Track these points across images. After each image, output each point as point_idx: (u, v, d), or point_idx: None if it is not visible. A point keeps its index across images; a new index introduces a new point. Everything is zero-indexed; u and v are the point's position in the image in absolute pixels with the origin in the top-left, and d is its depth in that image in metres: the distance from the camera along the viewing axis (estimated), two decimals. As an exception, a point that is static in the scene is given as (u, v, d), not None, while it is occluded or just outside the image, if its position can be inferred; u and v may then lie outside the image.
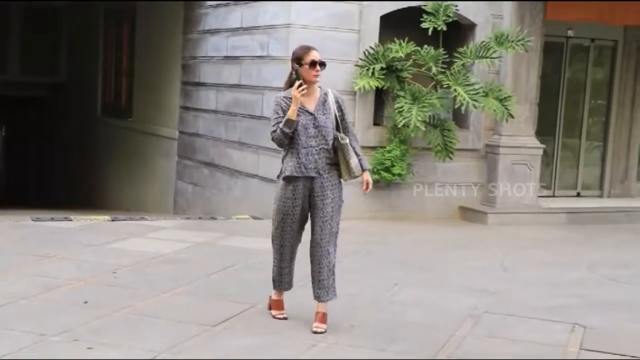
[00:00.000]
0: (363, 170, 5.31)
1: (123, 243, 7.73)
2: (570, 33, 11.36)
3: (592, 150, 11.93)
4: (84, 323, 5.15)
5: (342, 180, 5.38)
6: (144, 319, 5.33)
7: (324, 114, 5.27)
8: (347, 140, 5.28)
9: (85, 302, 5.59)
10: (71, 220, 8.78)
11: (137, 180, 13.81)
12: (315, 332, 5.21)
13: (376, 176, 9.24)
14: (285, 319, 5.45)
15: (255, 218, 9.63)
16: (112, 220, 8.92)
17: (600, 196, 11.78)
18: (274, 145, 9.96)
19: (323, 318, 5.30)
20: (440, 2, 9.53)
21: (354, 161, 5.28)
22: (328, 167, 5.29)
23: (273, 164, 9.64)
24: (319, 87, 5.32)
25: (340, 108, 5.33)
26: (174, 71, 12.34)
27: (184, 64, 12.07)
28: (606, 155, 11.84)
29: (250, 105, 10.17)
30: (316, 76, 5.24)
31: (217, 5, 11.12)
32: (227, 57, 10.83)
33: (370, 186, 5.38)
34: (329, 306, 5.37)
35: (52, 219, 8.80)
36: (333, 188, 5.29)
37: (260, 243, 8.12)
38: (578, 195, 11.69)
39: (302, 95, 5.17)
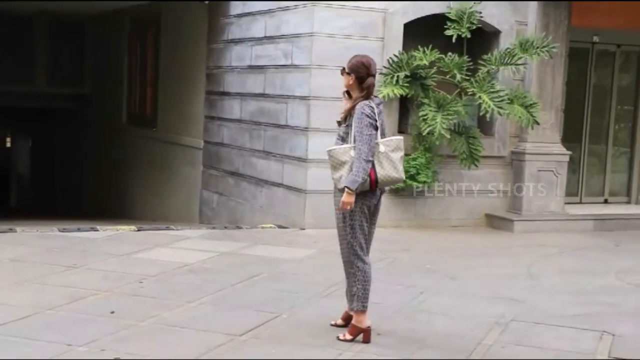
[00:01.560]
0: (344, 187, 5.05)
1: (149, 253, 7.77)
2: (595, 39, 11.28)
3: (619, 157, 11.83)
4: (111, 333, 5.18)
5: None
6: (171, 328, 5.35)
7: (345, 125, 5.24)
8: (331, 150, 5.17)
9: (112, 312, 5.63)
10: (97, 230, 8.84)
11: (163, 190, 13.88)
12: (338, 339, 5.20)
13: (401, 184, 9.23)
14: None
15: (280, 227, 9.64)
16: (138, 230, 8.97)
17: (628, 202, 11.66)
18: (299, 154, 10.05)
19: (350, 328, 5.27)
20: (464, 9, 9.51)
21: (337, 174, 5.13)
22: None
23: (297, 172, 9.67)
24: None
25: (354, 118, 5.15)
26: (199, 81, 12.40)
27: (209, 74, 12.13)
28: (633, 162, 11.72)
29: (275, 114, 10.20)
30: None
31: (241, 15, 11.18)
32: (251, 67, 10.88)
33: (344, 206, 5.05)
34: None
35: (79, 229, 8.86)
36: (337, 203, 5.19)
37: (285, 252, 8.14)
38: (605, 201, 11.58)
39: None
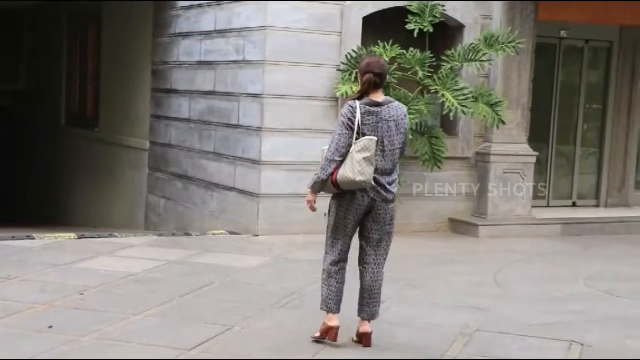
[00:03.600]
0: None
1: (91, 262, 7.69)
2: (563, 34, 11.44)
3: (587, 158, 12.00)
4: (49, 349, 5.11)
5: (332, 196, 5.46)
6: (114, 344, 5.30)
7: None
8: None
9: (50, 327, 5.55)
10: (34, 238, 8.72)
11: (105, 194, 13.74)
12: (312, 338, 5.42)
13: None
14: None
15: (232, 233, 9.61)
16: (79, 238, 8.87)
17: (597, 206, 11.84)
18: (252, 156, 10.06)
19: (322, 325, 5.46)
20: (426, 3, 9.58)
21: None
22: None
23: (251, 175, 9.65)
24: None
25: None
26: (144, 77, 12.31)
27: (155, 70, 12.05)
28: (602, 163, 11.90)
29: (226, 114, 10.17)
30: None
31: (189, 7, 11.12)
32: (200, 62, 10.83)
33: (306, 204, 5.42)
34: (310, 328, 5.35)
35: (13, 238, 8.73)
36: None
37: (237, 260, 8.11)
38: (574, 205, 11.75)
39: None
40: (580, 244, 9.87)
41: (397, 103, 5.45)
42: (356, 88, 9.29)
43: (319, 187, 5.31)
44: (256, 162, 9.53)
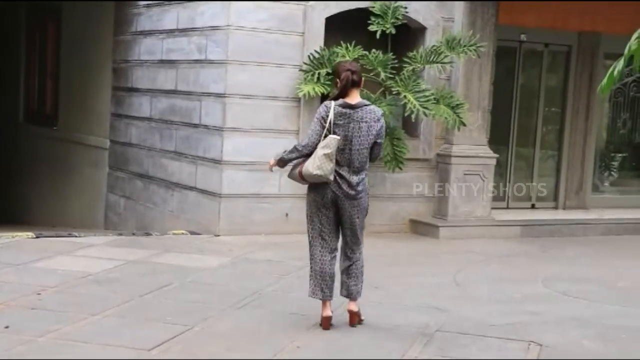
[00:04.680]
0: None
1: (48, 262, 7.60)
2: (523, 37, 11.55)
3: (546, 160, 12.14)
4: (5, 350, 5.04)
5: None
6: (72, 344, 5.24)
7: None
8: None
9: (7, 327, 5.47)
10: (-9, 237, 8.61)
11: (64, 193, 13.59)
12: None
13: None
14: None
15: (192, 233, 9.56)
16: (37, 237, 8.76)
17: (555, 208, 11.97)
18: (213, 156, 10.05)
19: None
20: (388, 4, 9.61)
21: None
22: None
23: (212, 175, 9.60)
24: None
25: None
26: (104, 75, 12.20)
27: (115, 68, 11.94)
28: (561, 166, 12.04)
29: (188, 113, 10.11)
30: None
31: (151, 5, 11.04)
32: (162, 61, 10.75)
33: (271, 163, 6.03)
34: (270, 328, 5.32)
35: (-30, 236, 8.60)
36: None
37: (197, 260, 8.07)
38: (532, 207, 11.87)
39: None
40: (539, 246, 9.97)
41: (372, 106, 5.82)
42: (318, 89, 9.34)
43: (281, 162, 5.93)
44: (217, 162, 9.49)
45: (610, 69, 4.54)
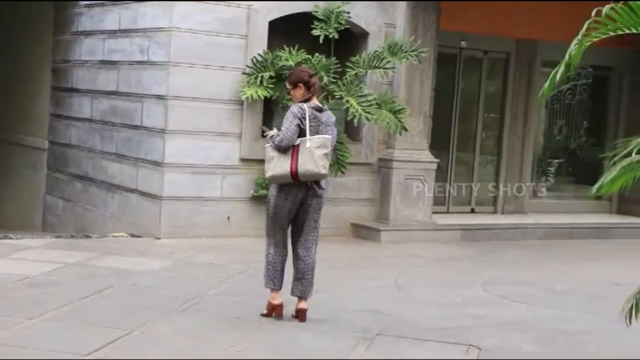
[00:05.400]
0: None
1: (-16, 264, 7.42)
2: (463, 44, 11.68)
3: (485, 165, 12.28)
4: (-62, 355, 4.89)
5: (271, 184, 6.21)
6: (7, 349, 5.10)
7: None
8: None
9: (-60, 331, 5.32)
10: None
11: (1, 195, 13.31)
12: (261, 315, 6.11)
13: (264, 191, 9.21)
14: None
15: (133, 236, 9.43)
16: (-28, 239, 8.56)
17: (495, 212, 12.11)
18: (155, 158, 9.92)
19: (267, 304, 6.17)
20: (331, 9, 9.61)
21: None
22: None
23: (153, 177, 9.49)
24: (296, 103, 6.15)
25: None
26: (43, 75, 11.99)
27: (55, 68, 11.74)
28: (499, 171, 12.19)
29: (129, 114, 9.98)
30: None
31: (92, 5, 10.88)
32: (103, 62, 10.60)
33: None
34: (211, 333, 5.27)
35: None
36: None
37: (138, 263, 7.96)
38: (472, 211, 11.99)
39: None
40: (479, 249, 10.07)
41: (329, 110, 6.27)
42: (261, 92, 9.29)
43: (272, 143, 6.03)
44: (159, 164, 9.37)
45: (552, 73, 4.60)
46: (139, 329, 5.65)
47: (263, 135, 6.36)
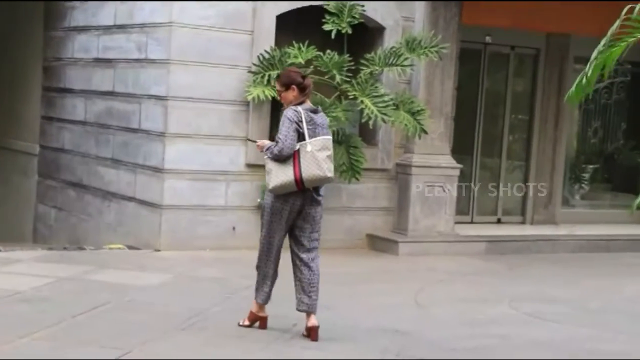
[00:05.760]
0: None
1: (-30, 279, 7.49)
2: (488, 39, 11.67)
3: (513, 171, 12.24)
4: None
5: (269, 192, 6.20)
6: (-3, 370, 5.17)
7: None
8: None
9: None
10: None
11: (-12, 203, 13.41)
12: (239, 324, 6.28)
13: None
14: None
15: (131, 248, 9.49)
16: (-43, 252, 8.65)
17: (523, 222, 12.07)
18: (154, 163, 9.96)
19: (249, 314, 6.32)
20: (344, 2, 9.65)
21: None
22: None
23: (152, 184, 9.55)
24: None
25: None
26: (34, 74, 12.07)
27: (46, 66, 11.83)
28: (528, 177, 12.14)
29: (126, 116, 10.05)
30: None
31: (86, -1, 10.97)
32: (98, 60, 10.67)
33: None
34: (214, 353, 5.29)
35: None
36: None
37: (136, 278, 8.01)
38: (498, 221, 11.96)
39: None
40: (505, 263, 10.07)
41: (322, 112, 6.35)
42: (269, 92, 9.34)
43: (271, 154, 6.07)
44: (158, 170, 9.44)
45: (579, 77, 4.59)
46: (137, 349, 5.70)
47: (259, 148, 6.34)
